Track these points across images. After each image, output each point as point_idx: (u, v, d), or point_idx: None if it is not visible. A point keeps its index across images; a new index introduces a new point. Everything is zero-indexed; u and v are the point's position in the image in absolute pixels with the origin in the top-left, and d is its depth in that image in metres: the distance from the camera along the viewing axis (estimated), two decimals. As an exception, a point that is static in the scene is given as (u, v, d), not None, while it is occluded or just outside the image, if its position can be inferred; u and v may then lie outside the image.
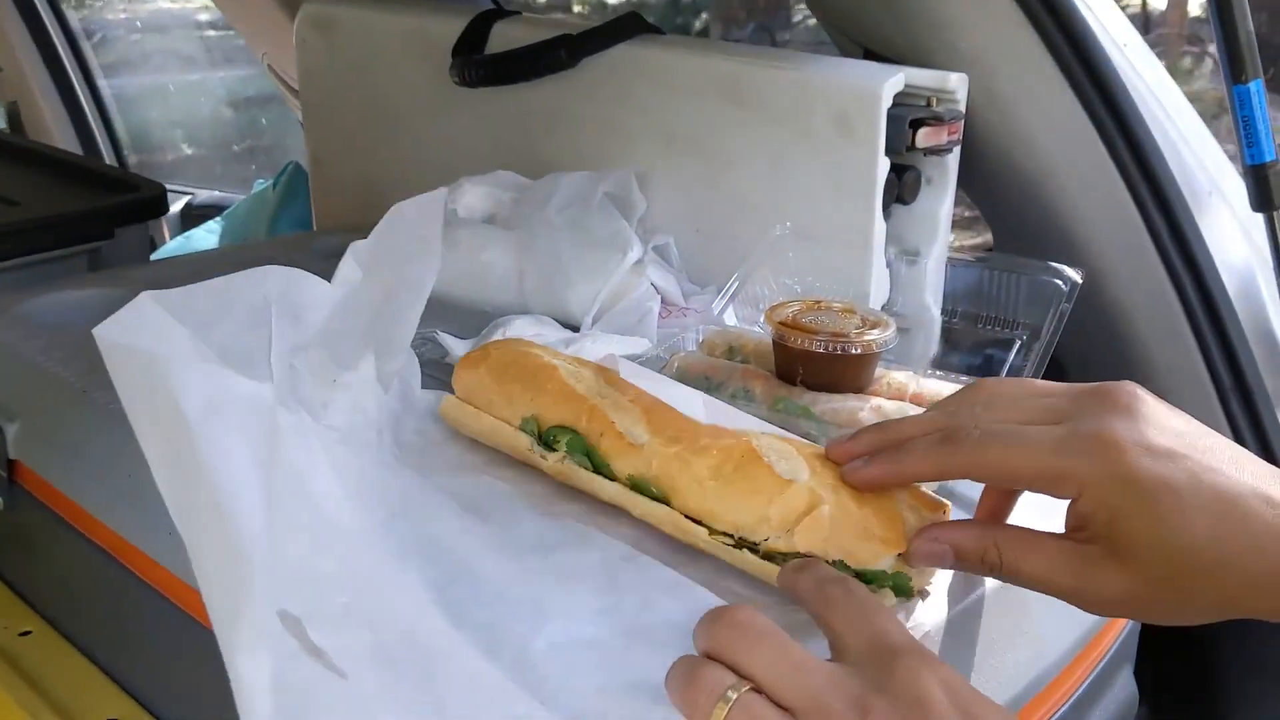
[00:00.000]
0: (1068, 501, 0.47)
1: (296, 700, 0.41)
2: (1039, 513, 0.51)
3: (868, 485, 0.51)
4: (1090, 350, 0.95)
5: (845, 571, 0.49)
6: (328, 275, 0.57)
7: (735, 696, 0.40)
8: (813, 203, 0.86)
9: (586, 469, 0.57)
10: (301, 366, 0.55)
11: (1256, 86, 0.82)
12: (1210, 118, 1.00)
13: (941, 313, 0.88)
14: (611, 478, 0.56)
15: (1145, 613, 0.48)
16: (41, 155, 1.50)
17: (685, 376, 0.69)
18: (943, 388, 0.68)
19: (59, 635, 0.69)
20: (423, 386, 0.67)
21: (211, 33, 3.16)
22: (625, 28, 0.95)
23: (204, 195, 2.38)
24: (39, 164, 1.45)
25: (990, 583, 0.56)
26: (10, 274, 1.15)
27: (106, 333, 0.45)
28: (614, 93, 0.95)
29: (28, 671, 0.66)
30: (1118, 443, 0.45)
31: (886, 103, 0.81)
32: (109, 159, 2.55)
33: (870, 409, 0.65)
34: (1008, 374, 0.78)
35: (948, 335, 0.88)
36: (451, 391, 0.63)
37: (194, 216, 2.25)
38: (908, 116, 0.82)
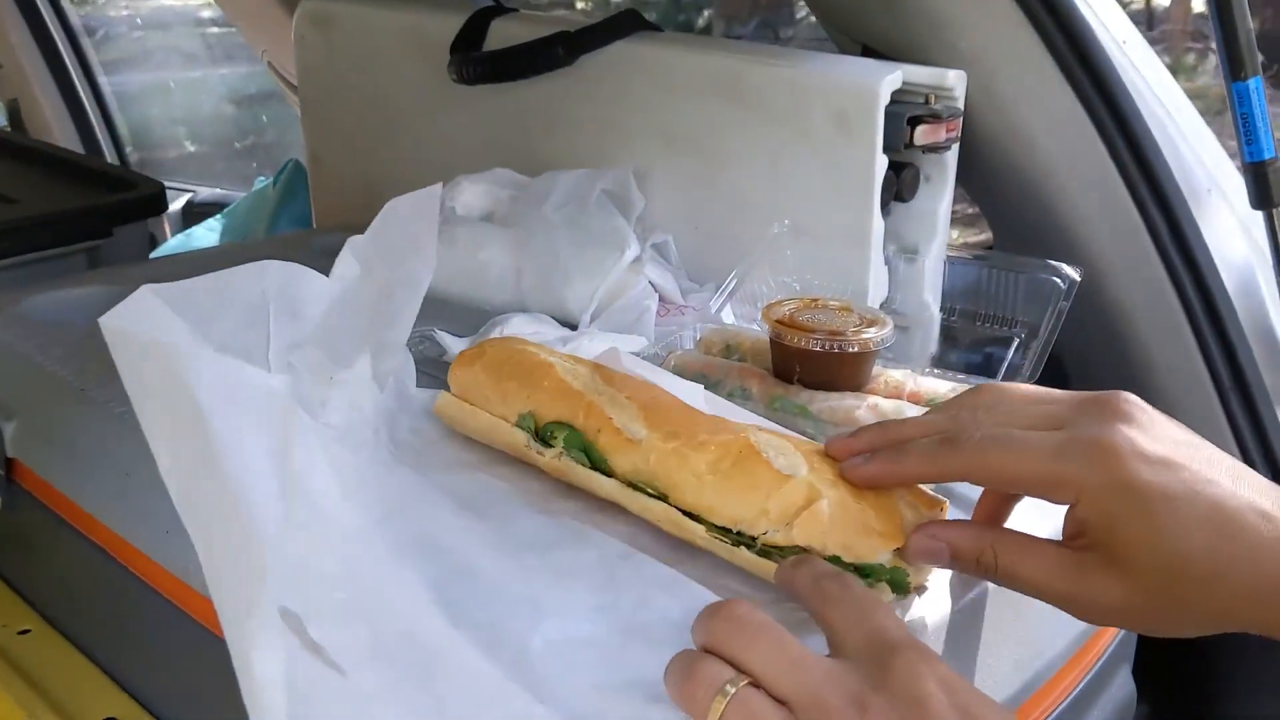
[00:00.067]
0: (1065, 508, 0.47)
1: (299, 697, 0.41)
2: (1039, 518, 0.51)
3: (866, 482, 0.51)
4: (1089, 348, 0.95)
5: (842, 566, 0.49)
6: (327, 273, 0.57)
7: (733, 691, 0.40)
8: (811, 200, 0.86)
9: (584, 465, 0.57)
10: (299, 364, 0.55)
11: (1256, 84, 0.82)
12: (1214, 114, 1.00)
13: (940, 310, 0.88)
14: (609, 474, 0.56)
15: (1138, 623, 0.48)
16: (40, 153, 1.50)
17: (682, 375, 0.69)
18: (940, 386, 0.68)
19: (58, 634, 0.69)
20: (420, 384, 0.67)
21: (213, 30, 3.16)
22: (623, 25, 0.95)
23: (205, 193, 2.37)
24: (37, 162, 1.45)
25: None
26: (9, 272, 1.16)
27: (111, 322, 0.45)
28: (612, 90, 0.95)
29: (26, 670, 0.66)
30: (1116, 450, 0.45)
31: (884, 100, 0.81)
32: (110, 156, 2.55)
33: (867, 407, 0.65)
34: (1006, 371, 0.78)
35: (946, 333, 0.88)
36: (448, 389, 0.63)
37: (195, 214, 2.25)
38: (906, 114, 0.82)
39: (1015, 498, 0.54)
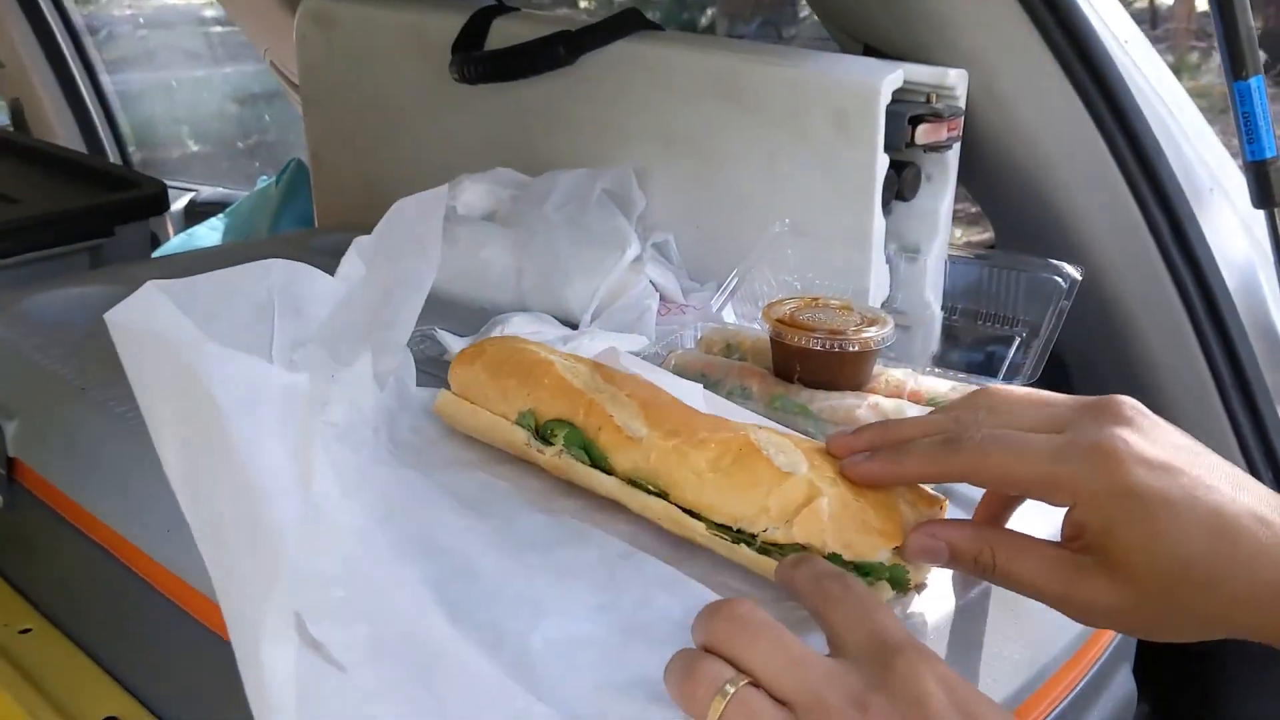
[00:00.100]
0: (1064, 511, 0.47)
1: (300, 694, 0.41)
2: (1039, 519, 0.51)
3: (866, 480, 0.52)
4: (1091, 347, 0.95)
5: (842, 564, 0.49)
6: (329, 272, 0.57)
7: (733, 690, 0.40)
8: (812, 199, 0.86)
9: (584, 463, 0.57)
10: (302, 362, 0.55)
11: (1257, 83, 0.82)
12: (1218, 112, 0.99)
13: (941, 310, 0.88)
14: (609, 471, 0.56)
15: (1134, 626, 0.48)
16: (42, 153, 1.50)
17: (683, 374, 0.69)
18: (940, 385, 0.68)
19: (59, 633, 0.69)
20: (421, 383, 0.67)
21: (216, 29, 3.16)
22: (624, 24, 0.95)
23: (207, 192, 2.37)
24: (40, 161, 1.45)
25: (988, 580, 0.56)
26: (10, 271, 1.16)
27: (116, 317, 0.45)
28: (613, 89, 0.95)
29: (27, 669, 0.66)
30: (1116, 453, 0.45)
31: (885, 99, 0.81)
32: (113, 156, 2.55)
33: (868, 406, 0.65)
34: (1008, 370, 0.78)
35: (948, 332, 0.88)
36: (448, 388, 0.63)
37: (198, 213, 2.25)
38: (907, 113, 0.82)
39: (1016, 499, 0.54)
